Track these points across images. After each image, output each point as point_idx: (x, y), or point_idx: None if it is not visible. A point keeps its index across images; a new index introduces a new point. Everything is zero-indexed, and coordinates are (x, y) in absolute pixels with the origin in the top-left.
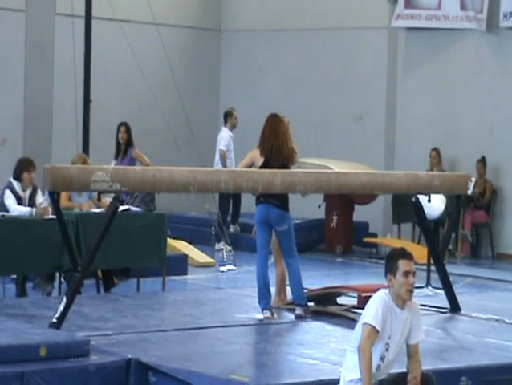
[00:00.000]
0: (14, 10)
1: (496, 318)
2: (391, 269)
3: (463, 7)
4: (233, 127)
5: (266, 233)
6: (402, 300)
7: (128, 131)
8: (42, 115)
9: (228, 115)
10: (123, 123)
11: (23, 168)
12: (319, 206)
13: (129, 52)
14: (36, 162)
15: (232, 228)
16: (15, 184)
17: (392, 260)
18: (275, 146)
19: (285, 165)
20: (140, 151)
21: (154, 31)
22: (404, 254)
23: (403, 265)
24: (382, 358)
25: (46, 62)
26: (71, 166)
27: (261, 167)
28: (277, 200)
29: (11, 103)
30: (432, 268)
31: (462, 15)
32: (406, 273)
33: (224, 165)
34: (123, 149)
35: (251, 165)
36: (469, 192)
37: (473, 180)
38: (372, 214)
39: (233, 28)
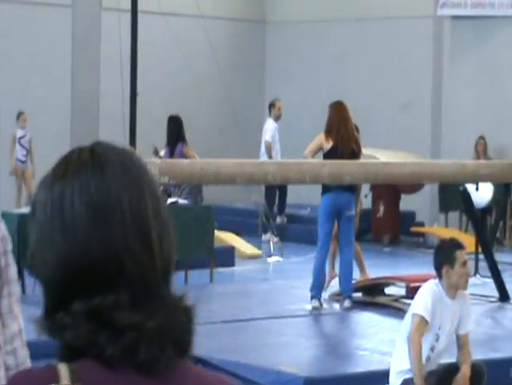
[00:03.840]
0: (60, 6)
1: None
2: (447, 260)
3: None
4: (277, 118)
5: (331, 225)
6: (455, 289)
7: (179, 125)
8: (89, 108)
9: (271, 107)
10: (173, 117)
11: None
12: (366, 196)
13: (175, 45)
14: None
15: (279, 219)
16: None
17: (447, 251)
18: (345, 135)
19: (356, 153)
20: (192, 148)
21: (200, 24)
22: (460, 245)
23: (461, 255)
24: (432, 349)
25: (93, 56)
26: None
27: (328, 152)
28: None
29: (59, 96)
30: (481, 256)
31: (508, 2)
32: (464, 263)
33: (270, 156)
34: (174, 140)
35: (318, 150)
36: None
37: None
38: (419, 203)
39: (277, 19)
